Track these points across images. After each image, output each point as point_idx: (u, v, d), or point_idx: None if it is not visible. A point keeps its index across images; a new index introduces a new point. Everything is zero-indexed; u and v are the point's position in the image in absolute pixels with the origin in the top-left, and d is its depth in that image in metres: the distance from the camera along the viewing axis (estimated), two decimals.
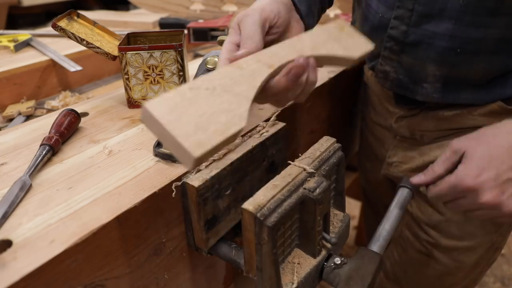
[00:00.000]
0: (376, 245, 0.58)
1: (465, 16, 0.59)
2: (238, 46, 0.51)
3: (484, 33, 0.59)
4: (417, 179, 0.60)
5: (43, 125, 0.65)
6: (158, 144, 0.56)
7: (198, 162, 0.35)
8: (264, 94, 0.47)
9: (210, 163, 0.53)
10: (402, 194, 0.70)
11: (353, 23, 0.83)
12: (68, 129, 0.59)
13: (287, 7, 0.56)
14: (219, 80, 0.40)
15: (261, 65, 0.45)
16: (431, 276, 0.80)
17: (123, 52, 0.66)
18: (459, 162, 0.56)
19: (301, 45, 0.49)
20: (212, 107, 0.38)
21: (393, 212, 0.64)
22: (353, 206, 1.89)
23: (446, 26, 0.61)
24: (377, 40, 0.72)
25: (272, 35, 0.55)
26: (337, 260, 0.52)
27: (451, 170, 0.56)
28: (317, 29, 0.53)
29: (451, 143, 0.56)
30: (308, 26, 0.61)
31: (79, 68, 0.90)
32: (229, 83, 0.41)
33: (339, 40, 0.53)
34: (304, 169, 0.52)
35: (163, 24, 1.24)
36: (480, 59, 0.61)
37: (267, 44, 0.52)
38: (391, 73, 0.71)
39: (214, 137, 0.35)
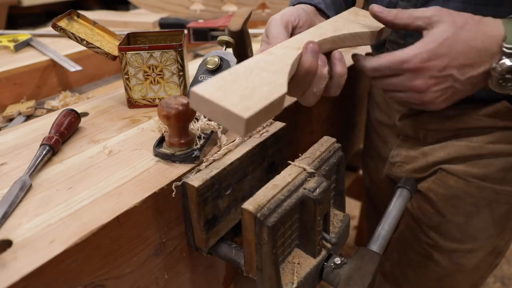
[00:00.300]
0: (376, 245, 0.58)
1: None
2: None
3: (495, 12, 0.56)
4: (378, 8, 0.54)
5: (43, 125, 0.65)
6: (158, 144, 0.56)
7: (250, 127, 0.37)
8: (294, 83, 0.49)
9: (210, 163, 0.53)
10: (401, 194, 0.70)
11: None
12: (68, 129, 0.59)
13: (306, 12, 0.61)
14: (254, 64, 0.44)
15: (290, 49, 0.48)
16: (430, 278, 0.79)
17: (123, 52, 0.66)
18: (420, 30, 0.52)
19: (322, 31, 0.53)
20: (253, 82, 0.41)
21: (392, 212, 0.64)
22: (353, 206, 1.89)
23: (455, 4, 0.59)
24: (391, 5, 0.69)
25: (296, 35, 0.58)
26: (337, 260, 0.52)
27: (408, 30, 0.54)
28: (334, 17, 0.58)
29: (431, 8, 0.51)
30: None
31: (79, 68, 0.90)
32: (264, 65, 0.44)
33: (357, 21, 0.57)
34: (304, 169, 0.52)
35: (163, 24, 1.24)
36: None
37: None
38: None
39: (260, 101, 0.38)
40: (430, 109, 0.53)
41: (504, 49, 0.48)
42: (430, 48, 0.49)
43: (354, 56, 0.55)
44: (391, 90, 0.54)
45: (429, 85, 0.50)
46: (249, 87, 0.40)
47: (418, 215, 0.77)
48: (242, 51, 0.71)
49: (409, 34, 0.66)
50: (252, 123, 0.37)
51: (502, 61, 0.48)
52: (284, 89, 0.41)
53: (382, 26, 0.56)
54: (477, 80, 0.51)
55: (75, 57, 0.94)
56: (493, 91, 0.51)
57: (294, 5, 0.64)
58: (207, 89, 0.38)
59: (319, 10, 0.66)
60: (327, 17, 0.66)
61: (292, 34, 0.57)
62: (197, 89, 0.38)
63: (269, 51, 0.47)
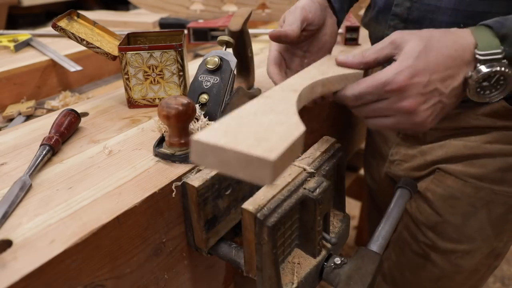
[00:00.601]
0: (376, 245, 0.58)
1: None
2: (279, 52, 0.61)
3: (489, 6, 0.56)
4: (343, 57, 0.54)
5: (43, 125, 0.65)
6: (158, 144, 0.56)
7: (277, 172, 0.31)
8: None
9: None
10: (400, 194, 0.70)
11: (366, 11, 0.83)
12: (68, 129, 0.59)
13: (322, 6, 0.63)
14: (255, 108, 0.39)
15: (287, 92, 0.44)
16: (428, 279, 0.79)
17: (123, 52, 0.66)
18: (391, 57, 0.51)
19: (311, 74, 0.50)
20: (262, 125, 0.35)
21: (392, 213, 0.64)
22: (353, 206, 1.89)
23: (449, 0, 0.59)
24: (383, 23, 0.71)
25: (307, 31, 0.61)
26: (337, 260, 0.52)
27: (380, 63, 0.52)
28: (319, 61, 0.56)
29: (392, 34, 0.51)
30: (340, 21, 0.69)
31: (79, 68, 0.90)
32: (266, 108, 0.39)
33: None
34: (304, 169, 0.52)
35: (163, 24, 1.24)
36: None
37: (302, 39, 0.61)
38: None
39: (280, 143, 0.32)
40: (419, 131, 0.51)
41: (478, 56, 0.47)
42: (408, 64, 0.47)
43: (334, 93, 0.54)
44: (377, 116, 0.51)
45: (418, 103, 0.48)
46: (260, 130, 0.34)
47: (416, 215, 0.77)
48: (242, 51, 0.71)
49: (407, 29, 0.66)
50: (278, 167, 0.31)
51: (477, 68, 0.47)
52: (302, 127, 0.35)
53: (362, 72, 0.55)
54: (459, 91, 0.50)
55: (75, 57, 0.94)
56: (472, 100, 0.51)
57: None
58: (212, 135, 0.32)
59: (329, 2, 0.67)
60: (333, 10, 0.67)
61: (304, 29, 0.60)
62: (200, 136, 0.32)
63: (266, 95, 0.43)
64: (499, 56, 0.47)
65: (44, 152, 0.54)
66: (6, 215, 0.44)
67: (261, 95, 0.43)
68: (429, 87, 0.47)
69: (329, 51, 0.68)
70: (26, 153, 0.57)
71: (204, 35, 1.09)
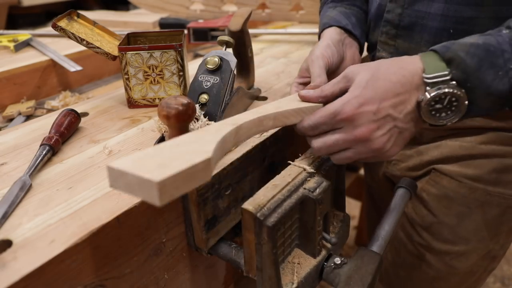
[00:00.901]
0: (376, 245, 0.58)
1: None
2: (302, 84, 0.64)
3: (476, 12, 0.58)
4: (305, 92, 0.56)
5: (43, 125, 0.65)
6: (158, 144, 0.56)
7: (165, 193, 0.33)
8: None
9: None
10: (400, 194, 0.70)
11: None
12: (68, 129, 0.59)
13: (338, 45, 0.67)
14: (184, 138, 0.41)
15: (225, 125, 0.46)
16: (423, 280, 0.79)
17: (123, 52, 0.66)
18: (345, 90, 0.53)
19: (263, 110, 0.52)
20: (175, 153, 0.38)
21: (391, 213, 0.64)
22: (353, 206, 1.89)
23: (438, 5, 0.60)
24: (376, 29, 0.72)
25: (330, 71, 0.65)
26: (337, 260, 0.52)
27: (337, 96, 0.54)
28: (278, 100, 0.58)
29: (347, 68, 0.54)
30: (362, 44, 0.74)
31: (79, 68, 0.90)
32: (194, 139, 0.42)
33: (299, 100, 0.57)
34: (304, 169, 0.52)
35: (163, 24, 1.24)
36: None
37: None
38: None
39: (175, 168, 0.34)
40: (385, 158, 0.52)
41: (426, 80, 0.49)
42: (356, 94, 0.49)
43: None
44: (337, 151, 0.53)
45: (371, 130, 0.49)
46: (171, 157, 0.36)
47: (412, 215, 0.77)
48: (242, 51, 0.71)
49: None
50: (167, 189, 0.33)
51: (427, 91, 0.48)
52: (208, 154, 0.37)
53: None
54: (414, 115, 0.50)
55: (75, 57, 0.94)
56: (433, 124, 0.51)
57: (323, 29, 0.71)
58: (123, 162, 0.35)
59: (346, 31, 0.71)
60: (354, 37, 0.72)
61: (327, 71, 0.62)
62: (113, 163, 0.35)
63: (204, 128, 0.45)
64: (446, 78, 0.48)
65: (44, 152, 0.54)
66: (6, 215, 0.44)
67: (201, 129, 0.45)
68: (380, 113, 0.49)
69: None
70: (26, 153, 0.57)
71: (204, 35, 1.09)
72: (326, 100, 0.55)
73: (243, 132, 0.48)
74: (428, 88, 0.48)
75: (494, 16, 0.57)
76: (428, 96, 0.48)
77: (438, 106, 0.48)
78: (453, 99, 0.48)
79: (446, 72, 0.48)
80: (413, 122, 0.51)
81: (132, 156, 0.36)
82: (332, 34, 0.69)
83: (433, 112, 0.49)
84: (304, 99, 0.56)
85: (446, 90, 0.47)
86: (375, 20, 0.73)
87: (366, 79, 0.50)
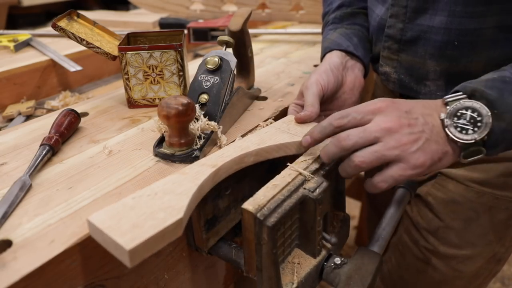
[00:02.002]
0: (376, 245, 0.58)
1: (457, 7, 0.58)
2: (301, 106, 0.64)
3: (480, 23, 0.58)
4: (304, 142, 0.54)
5: (43, 125, 0.65)
6: (158, 144, 0.56)
7: (136, 257, 0.36)
8: None
9: None
10: (400, 195, 0.70)
11: None
12: (68, 129, 0.59)
13: (337, 69, 0.67)
14: (162, 186, 0.43)
15: (205, 167, 0.47)
16: (428, 284, 0.79)
17: (123, 52, 0.66)
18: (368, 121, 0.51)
19: (247, 144, 0.53)
20: (152, 208, 0.39)
21: (391, 213, 0.64)
22: (353, 206, 1.89)
23: (441, 19, 0.60)
24: (378, 43, 0.72)
25: (326, 96, 0.65)
26: (337, 260, 0.52)
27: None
28: (265, 128, 0.59)
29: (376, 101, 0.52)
30: (367, 64, 0.73)
31: (79, 68, 0.90)
32: (172, 187, 0.43)
33: (287, 130, 0.58)
34: (300, 173, 0.52)
35: (163, 24, 1.24)
36: (479, 51, 0.60)
37: (323, 102, 0.65)
38: (392, 74, 0.71)
39: (149, 230, 0.37)
40: (410, 161, 0.48)
41: (447, 100, 0.50)
42: (386, 98, 0.51)
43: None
44: (363, 147, 0.50)
45: (402, 123, 0.48)
46: (146, 213, 0.39)
47: (417, 219, 0.77)
48: (242, 51, 0.71)
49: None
50: (137, 254, 0.36)
51: (448, 107, 0.49)
52: (180, 214, 0.39)
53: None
54: (441, 131, 0.49)
55: (75, 57, 0.94)
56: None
57: (326, 53, 0.72)
58: (101, 217, 0.38)
59: (348, 53, 0.71)
60: (357, 58, 0.72)
61: (323, 96, 0.63)
62: (92, 218, 0.38)
63: (183, 171, 0.46)
64: (465, 95, 0.50)
65: (44, 152, 0.54)
66: (6, 215, 0.44)
67: (181, 171, 0.46)
68: (411, 114, 0.49)
69: (351, 106, 0.67)
70: (26, 153, 0.57)
71: (204, 35, 1.09)
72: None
73: (222, 172, 0.49)
74: (448, 107, 0.50)
75: (498, 26, 0.58)
76: (450, 109, 0.49)
77: (461, 121, 0.49)
78: (476, 113, 0.48)
79: (466, 95, 0.50)
80: (440, 138, 0.49)
81: (111, 208, 0.39)
82: (332, 58, 0.70)
83: (459, 129, 0.49)
84: (300, 121, 0.60)
85: (466, 103, 0.48)
86: (376, 34, 0.73)
87: (388, 100, 0.50)
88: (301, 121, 0.60)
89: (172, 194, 0.42)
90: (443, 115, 0.49)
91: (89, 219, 0.38)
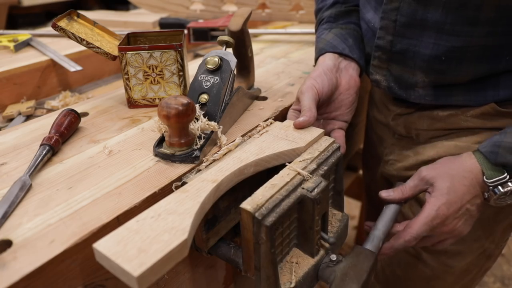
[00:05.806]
0: (371, 244, 0.59)
1: (445, 25, 0.60)
2: (299, 111, 0.64)
3: (466, 42, 0.59)
4: (386, 194, 0.66)
5: (43, 125, 0.65)
6: (158, 144, 0.57)
7: (143, 282, 0.36)
8: None
9: (210, 163, 0.54)
10: None
11: None
12: (68, 129, 0.60)
13: (332, 71, 0.69)
14: (164, 206, 0.44)
15: (206, 183, 0.48)
16: (419, 279, 0.80)
17: (123, 52, 0.67)
18: (424, 191, 0.64)
19: (246, 155, 0.54)
20: (157, 230, 0.40)
21: (387, 213, 0.65)
22: (353, 206, 1.89)
23: (429, 35, 0.62)
24: (368, 45, 0.73)
25: (322, 100, 0.67)
26: (333, 257, 0.52)
27: (416, 196, 0.65)
28: (263, 136, 0.59)
29: (420, 171, 0.64)
30: (362, 65, 0.74)
31: (79, 68, 0.90)
32: (174, 206, 0.44)
33: (285, 137, 0.58)
34: (299, 173, 0.52)
35: (163, 24, 1.24)
36: (465, 66, 0.62)
37: (320, 106, 0.67)
38: (382, 82, 0.72)
39: (155, 254, 0.37)
40: (457, 237, 0.64)
41: (489, 184, 0.59)
42: (443, 201, 0.60)
43: (387, 245, 0.63)
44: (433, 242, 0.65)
45: (455, 224, 0.61)
46: (151, 237, 0.39)
47: (408, 214, 0.77)
48: (242, 51, 0.71)
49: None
50: (145, 278, 0.36)
51: (492, 192, 0.59)
52: (184, 235, 0.39)
53: (312, 138, 0.58)
54: (483, 204, 0.62)
55: (75, 57, 0.95)
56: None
57: (320, 55, 0.73)
58: (107, 243, 0.38)
59: (343, 55, 0.72)
60: (352, 59, 0.73)
61: (319, 100, 0.65)
62: (97, 245, 0.38)
63: (183, 188, 0.47)
64: (506, 179, 0.58)
65: (44, 152, 0.54)
66: (6, 215, 0.44)
67: (181, 188, 0.47)
68: (462, 210, 0.61)
69: (349, 106, 0.71)
70: (26, 153, 0.57)
71: (204, 35, 1.09)
72: (406, 200, 0.66)
73: (223, 186, 0.50)
74: (491, 189, 0.59)
75: (484, 45, 0.60)
76: (494, 196, 0.59)
77: (502, 197, 0.59)
78: None
79: (505, 175, 0.58)
80: (478, 209, 0.62)
81: (117, 234, 0.39)
82: (325, 61, 0.71)
83: (498, 201, 0.60)
84: (385, 200, 0.66)
85: (509, 188, 0.58)
86: (369, 42, 0.74)
87: (446, 186, 0.60)
88: (300, 127, 0.60)
89: (175, 214, 0.42)
90: (486, 194, 0.60)
91: (94, 246, 0.38)
